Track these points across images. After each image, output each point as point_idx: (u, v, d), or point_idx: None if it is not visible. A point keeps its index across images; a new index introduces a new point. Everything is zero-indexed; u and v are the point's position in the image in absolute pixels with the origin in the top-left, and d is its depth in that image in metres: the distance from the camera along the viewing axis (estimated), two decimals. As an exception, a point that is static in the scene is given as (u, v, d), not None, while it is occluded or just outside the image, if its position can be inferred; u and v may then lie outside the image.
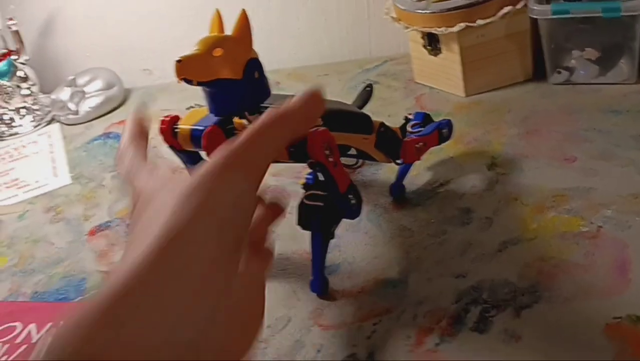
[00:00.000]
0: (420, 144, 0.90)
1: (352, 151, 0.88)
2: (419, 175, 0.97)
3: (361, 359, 0.69)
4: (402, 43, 1.37)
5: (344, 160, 0.74)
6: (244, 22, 0.71)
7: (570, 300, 0.70)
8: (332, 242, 0.79)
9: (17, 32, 1.38)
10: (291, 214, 0.94)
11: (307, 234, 0.79)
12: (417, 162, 0.93)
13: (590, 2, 1.04)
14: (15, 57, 1.40)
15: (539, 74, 1.16)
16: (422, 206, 0.91)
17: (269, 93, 0.74)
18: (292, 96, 0.85)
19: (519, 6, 1.09)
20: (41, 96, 1.45)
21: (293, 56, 1.42)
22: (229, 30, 0.74)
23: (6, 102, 1.39)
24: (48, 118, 1.43)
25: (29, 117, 1.41)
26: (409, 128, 0.93)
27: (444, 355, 0.67)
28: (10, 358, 0.78)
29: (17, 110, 1.40)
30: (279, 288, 0.82)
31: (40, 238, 1.03)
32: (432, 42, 1.15)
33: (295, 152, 0.71)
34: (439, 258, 0.81)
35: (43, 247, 1.00)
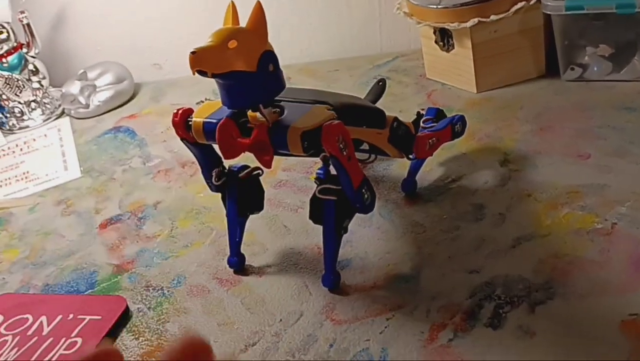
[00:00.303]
0: (433, 139, 0.90)
1: (365, 146, 0.88)
2: (431, 171, 0.96)
3: (374, 354, 0.68)
4: (412, 39, 1.37)
5: (356, 155, 0.74)
6: (259, 14, 0.70)
7: (585, 297, 0.70)
8: (344, 237, 0.79)
9: (28, 25, 1.38)
10: (302, 209, 0.95)
11: (318, 228, 0.79)
12: (429, 158, 0.93)
13: (605, -2, 1.03)
14: (26, 50, 1.40)
15: (551, 70, 1.16)
16: (434, 201, 0.90)
17: (283, 86, 0.74)
18: (309, 90, 0.84)
19: (532, 2, 1.08)
20: (51, 89, 1.45)
21: (304, 52, 1.42)
22: (243, 22, 0.73)
23: (17, 95, 1.39)
24: (58, 112, 1.43)
25: (39, 111, 1.41)
26: (421, 124, 0.93)
27: (458, 351, 0.66)
28: (22, 350, 0.78)
29: (28, 103, 1.40)
30: (291, 282, 0.81)
31: (51, 230, 1.03)
32: (445, 38, 1.15)
33: (309, 146, 0.71)
34: (451, 253, 0.80)
35: (54, 240, 1.00)
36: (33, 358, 0.76)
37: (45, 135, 1.35)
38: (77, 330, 0.78)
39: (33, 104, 1.41)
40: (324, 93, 0.83)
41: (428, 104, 1.14)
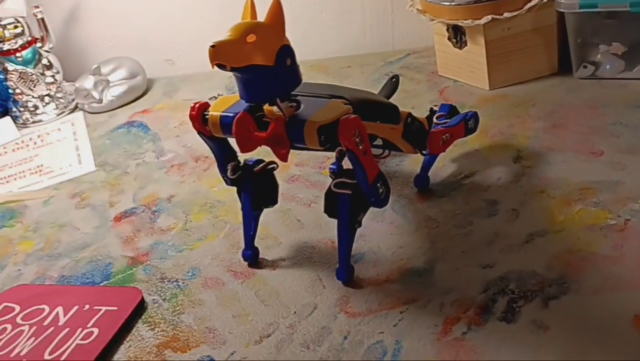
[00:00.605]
0: (447, 135, 0.90)
1: (378, 142, 0.88)
2: (443, 167, 0.97)
3: (388, 346, 0.69)
4: (424, 36, 1.37)
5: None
6: (277, 10, 0.71)
7: (599, 292, 0.70)
8: (357, 231, 0.79)
9: (42, 20, 1.39)
10: (316, 203, 0.95)
11: (331, 223, 0.79)
12: (442, 154, 0.94)
13: (619, -4, 1.03)
14: (40, 45, 1.41)
15: (564, 68, 1.16)
16: (447, 197, 0.91)
17: (300, 80, 0.75)
18: (325, 84, 0.85)
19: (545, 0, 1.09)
20: (65, 83, 1.46)
21: (316, 48, 1.42)
22: (259, 18, 0.74)
23: (30, 89, 1.40)
24: (71, 106, 1.44)
25: (53, 105, 1.42)
26: (435, 120, 0.93)
27: (472, 344, 0.67)
28: (38, 339, 0.79)
29: (41, 97, 1.41)
30: (305, 276, 0.82)
31: (66, 223, 1.04)
32: (458, 35, 1.15)
33: (326, 139, 0.72)
34: (465, 248, 0.81)
35: (69, 232, 1.01)
36: (50, 348, 0.77)
37: (59, 129, 1.36)
38: (93, 320, 0.79)
39: (47, 98, 1.42)
40: (340, 88, 0.84)
41: (440, 101, 1.14)
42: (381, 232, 0.87)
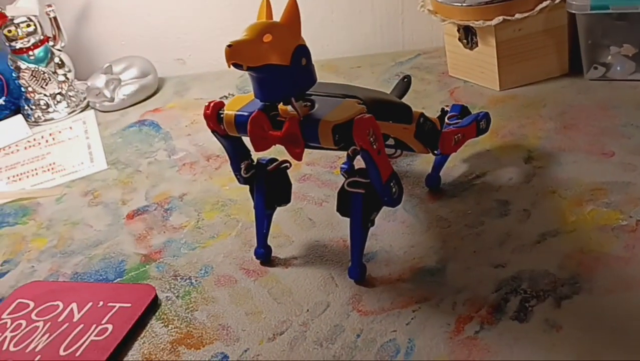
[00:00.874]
0: (459, 135, 0.91)
1: (390, 142, 0.89)
2: (455, 167, 0.97)
3: (401, 344, 0.69)
4: (434, 37, 1.37)
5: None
6: (293, 9, 0.72)
7: (611, 292, 0.70)
8: (369, 230, 0.79)
9: (55, 19, 1.40)
10: (327, 202, 0.96)
11: (343, 222, 0.80)
12: (453, 154, 0.94)
13: (630, -2, 1.04)
14: (52, 43, 1.42)
15: (574, 69, 1.16)
16: (458, 197, 0.91)
17: (315, 80, 0.75)
18: (338, 84, 0.86)
19: (557, 1, 1.09)
20: (76, 82, 1.47)
21: (326, 48, 1.43)
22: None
23: (42, 87, 1.41)
24: (83, 104, 1.44)
25: (64, 103, 1.43)
26: (446, 120, 0.93)
27: (485, 343, 0.67)
28: (53, 335, 0.79)
29: (53, 96, 1.42)
30: (317, 274, 0.82)
31: (79, 220, 1.04)
32: (468, 36, 1.16)
33: (340, 139, 0.72)
34: (477, 248, 0.81)
35: (82, 229, 1.02)
36: (65, 344, 0.77)
37: (71, 127, 1.37)
38: (107, 317, 0.80)
39: (58, 97, 1.43)
40: (353, 88, 0.84)
41: (451, 101, 1.15)
42: (393, 231, 0.87)
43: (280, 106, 0.76)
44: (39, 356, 0.76)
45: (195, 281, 0.85)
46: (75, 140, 1.32)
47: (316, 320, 0.75)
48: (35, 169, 1.24)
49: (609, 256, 0.75)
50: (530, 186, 0.90)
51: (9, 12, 1.38)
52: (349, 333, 0.72)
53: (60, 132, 1.36)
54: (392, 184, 0.76)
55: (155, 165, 1.16)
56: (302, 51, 0.72)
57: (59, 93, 1.43)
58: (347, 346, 0.71)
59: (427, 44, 1.39)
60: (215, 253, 0.90)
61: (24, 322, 0.83)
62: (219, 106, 0.79)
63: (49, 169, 1.23)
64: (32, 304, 0.86)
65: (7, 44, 1.40)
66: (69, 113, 1.42)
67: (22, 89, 1.42)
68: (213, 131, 0.81)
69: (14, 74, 1.42)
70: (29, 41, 1.39)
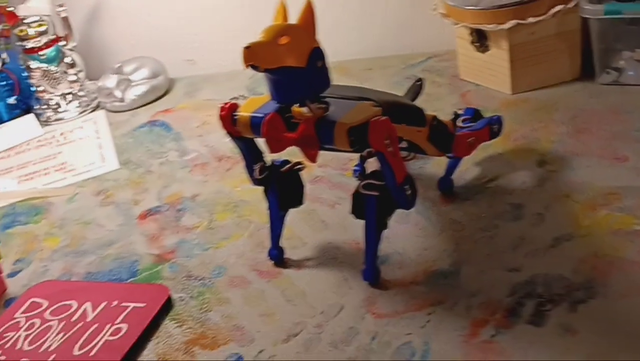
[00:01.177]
0: (472, 138, 0.91)
1: (403, 144, 0.88)
2: (467, 170, 0.97)
3: (417, 347, 0.69)
4: (445, 40, 1.37)
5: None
6: (309, 11, 0.72)
7: (626, 296, 0.70)
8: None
9: (66, 19, 1.40)
10: (339, 205, 0.96)
11: (356, 224, 0.80)
12: (465, 158, 0.94)
13: (644, 3, 1.04)
14: (64, 43, 1.42)
15: (586, 73, 1.16)
16: (471, 200, 0.91)
17: (330, 82, 0.75)
18: (352, 86, 0.86)
19: (570, 5, 1.09)
20: (87, 82, 1.47)
21: (337, 50, 1.41)
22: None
23: (53, 87, 1.42)
24: (93, 104, 1.45)
25: (75, 103, 1.43)
26: (459, 123, 0.94)
27: (500, 347, 0.67)
28: (67, 334, 0.79)
29: (64, 95, 1.42)
30: (330, 276, 0.83)
31: (91, 220, 1.05)
32: (481, 39, 1.16)
33: (356, 141, 0.72)
34: (490, 251, 0.81)
35: (94, 229, 1.02)
36: (79, 343, 0.78)
37: (81, 127, 1.37)
38: (121, 317, 0.80)
39: (69, 97, 1.43)
40: (367, 90, 0.85)
41: (462, 105, 1.15)
42: (406, 234, 0.87)
43: (295, 108, 0.76)
44: (53, 356, 0.77)
45: (209, 282, 0.85)
46: (86, 140, 1.32)
47: (331, 322, 0.75)
48: (47, 169, 1.24)
49: (624, 260, 0.75)
50: (543, 190, 0.90)
51: (21, 11, 1.39)
52: (363, 336, 0.73)
53: (71, 131, 1.37)
54: (406, 186, 0.76)
55: (166, 166, 1.16)
56: (318, 53, 0.72)
57: (70, 93, 1.43)
58: (362, 349, 0.71)
59: (438, 47, 1.39)
60: (228, 254, 0.90)
61: (37, 321, 0.83)
62: (234, 107, 0.80)
63: (60, 169, 1.23)
64: (45, 303, 0.86)
65: (18, 43, 1.40)
66: (80, 113, 1.43)
67: (33, 89, 1.43)
68: (228, 133, 0.81)
69: (25, 74, 1.43)
70: (40, 41, 1.40)
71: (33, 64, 1.41)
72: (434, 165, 1.00)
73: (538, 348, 0.66)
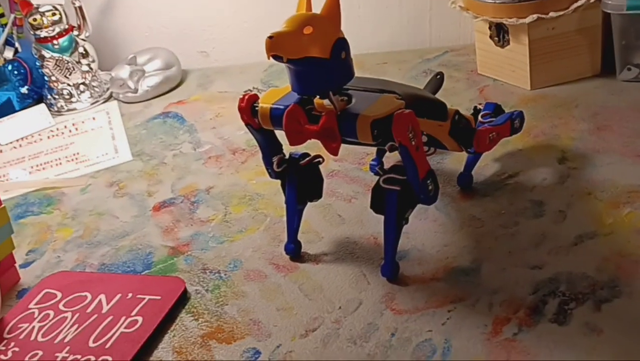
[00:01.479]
0: (494, 134, 0.89)
1: (423, 138, 0.87)
2: (486, 166, 0.96)
3: (437, 345, 0.68)
4: (462, 34, 1.36)
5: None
6: (334, 2, 0.71)
7: (653, 296, 0.69)
8: (401, 228, 0.79)
9: (80, 9, 1.39)
10: (356, 199, 0.95)
11: (373, 219, 0.79)
12: (484, 154, 0.93)
13: (668, -2, 1.02)
14: (77, 33, 1.41)
15: (607, 70, 1.15)
16: (491, 196, 0.90)
17: (353, 74, 0.74)
18: (374, 79, 0.84)
19: (591, 0, 1.07)
20: (100, 72, 1.46)
21: (353, 44, 1.40)
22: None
23: (66, 77, 1.41)
24: (106, 95, 1.44)
25: (88, 94, 1.42)
26: (480, 118, 0.92)
27: (524, 345, 0.66)
28: (82, 326, 0.79)
29: (77, 86, 1.41)
30: (348, 271, 0.81)
31: (105, 211, 1.04)
32: (500, 33, 1.14)
33: (379, 134, 0.71)
34: (512, 248, 0.80)
35: (108, 220, 1.01)
36: (94, 335, 0.77)
37: (94, 118, 1.36)
38: (137, 309, 0.79)
39: (82, 87, 1.42)
40: (390, 82, 0.83)
41: (480, 100, 1.13)
42: (425, 230, 0.86)
43: (316, 100, 0.75)
44: (68, 347, 0.76)
45: (225, 275, 0.84)
46: (98, 130, 1.31)
47: (349, 318, 0.74)
48: (59, 159, 1.24)
49: (649, 260, 0.74)
50: (564, 187, 0.89)
51: (35, 0, 1.38)
52: (383, 332, 0.71)
53: (83, 122, 1.35)
54: (428, 181, 0.75)
55: (180, 157, 1.15)
56: (342, 44, 0.71)
57: (83, 83, 1.42)
58: (381, 345, 0.70)
59: (455, 41, 1.37)
60: (244, 247, 0.89)
61: (51, 312, 0.82)
62: (254, 98, 0.78)
63: (72, 159, 1.23)
64: (59, 294, 0.85)
65: (31, 32, 1.39)
66: (92, 103, 1.42)
67: (46, 78, 1.42)
68: (247, 124, 0.80)
69: (37, 63, 1.41)
70: (53, 30, 1.38)
71: (46, 54, 1.39)
72: (453, 160, 0.98)
73: (562, 348, 0.65)
